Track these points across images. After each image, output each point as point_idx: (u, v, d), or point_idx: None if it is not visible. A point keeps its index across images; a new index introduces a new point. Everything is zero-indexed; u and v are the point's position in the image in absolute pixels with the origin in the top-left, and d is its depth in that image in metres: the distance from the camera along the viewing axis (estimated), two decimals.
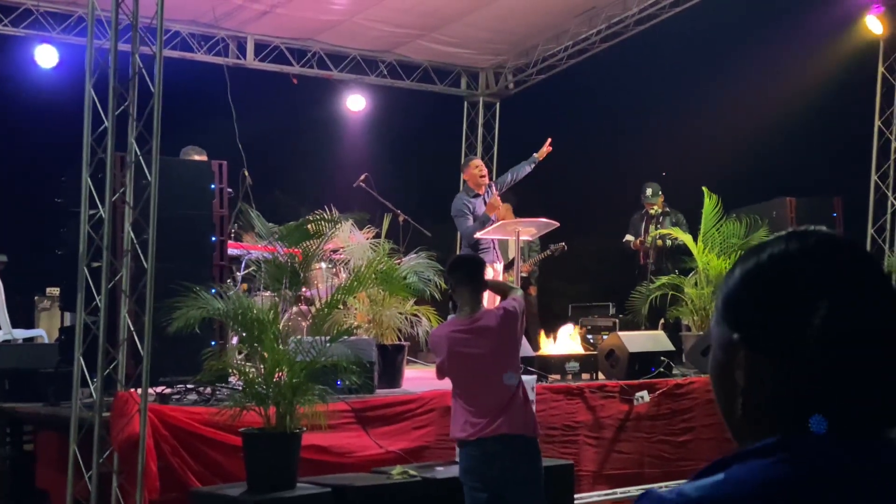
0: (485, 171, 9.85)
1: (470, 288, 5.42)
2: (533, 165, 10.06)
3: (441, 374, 5.45)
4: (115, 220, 6.52)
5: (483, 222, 9.52)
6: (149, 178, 6.31)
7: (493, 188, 9.76)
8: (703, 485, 1.16)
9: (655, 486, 7.65)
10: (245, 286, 8.77)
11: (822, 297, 1.20)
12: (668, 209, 11.15)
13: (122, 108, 6.37)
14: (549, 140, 9.92)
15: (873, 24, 10.62)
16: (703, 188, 9.71)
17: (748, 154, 11.93)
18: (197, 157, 8.73)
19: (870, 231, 10.62)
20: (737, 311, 1.27)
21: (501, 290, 5.94)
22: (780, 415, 1.21)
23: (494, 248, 9.79)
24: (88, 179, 6.44)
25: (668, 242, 10.81)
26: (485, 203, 9.66)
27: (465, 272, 5.48)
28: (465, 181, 9.88)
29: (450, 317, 5.70)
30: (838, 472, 1.15)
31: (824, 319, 1.19)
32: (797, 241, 1.27)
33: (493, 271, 9.55)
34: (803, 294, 1.21)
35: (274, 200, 11.48)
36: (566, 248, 11.06)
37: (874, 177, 10.71)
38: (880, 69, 10.65)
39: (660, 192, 11.18)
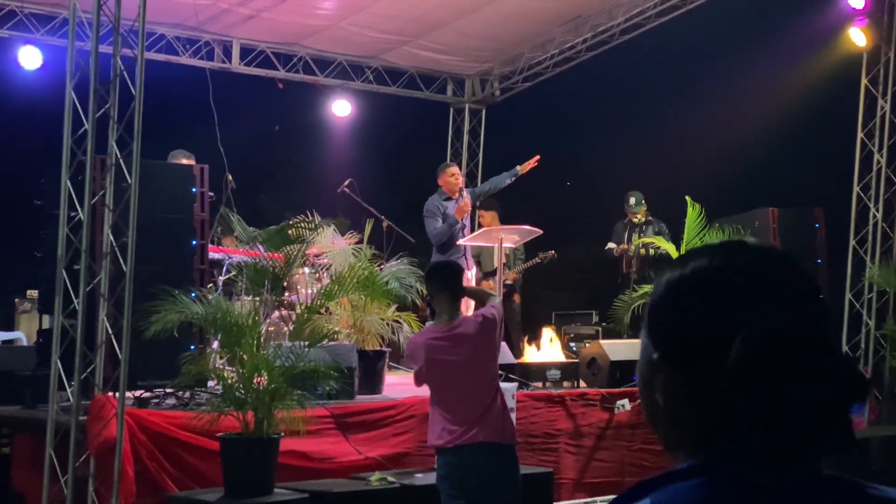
0: (460, 179, 9.84)
1: (448, 295, 5.40)
2: (514, 178, 10.01)
3: (419, 381, 5.44)
4: (94, 222, 6.49)
5: (451, 225, 9.48)
6: (129, 180, 6.28)
7: (465, 193, 9.72)
8: None
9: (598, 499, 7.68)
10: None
11: (742, 322, 1.16)
12: (650, 218, 11.16)
13: (103, 110, 6.34)
14: (537, 157, 9.88)
15: (856, 37, 10.66)
16: (687, 197, 9.72)
17: (731, 164, 11.96)
18: (185, 161, 8.70)
19: (852, 242, 10.66)
20: (658, 328, 1.23)
21: (479, 296, 5.93)
22: (702, 436, 1.18)
23: (465, 254, 9.74)
24: (68, 182, 6.41)
25: (651, 251, 10.82)
26: (456, 204, 9.63)
27: (442, 279, 5.47)
28: (439, 186, 9.82)
29: (428, 324, 5.68)
30: (759, 497, 1.13)
31: (744, 345, 1.15)
32: (723, 256, 1.23)
33: (465, 278, 9.49)
34: (723, 317, 1.17)
35: (258, 205, 11.46)
36: (556, 255, 11.06)
37: (856, 188, 10.74)
38: (863, 81, 10.69)
39: (643, 201, 11.19)
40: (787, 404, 1.15)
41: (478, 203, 10.67)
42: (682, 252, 9.56)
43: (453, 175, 9.75)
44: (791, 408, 1.15)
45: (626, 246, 11.09)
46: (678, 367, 1.19)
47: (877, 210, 10.62)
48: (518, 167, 9.92)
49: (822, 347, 1.19)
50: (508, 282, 11.28)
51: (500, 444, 5.24)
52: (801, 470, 1.15)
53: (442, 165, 10.02)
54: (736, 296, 1.18)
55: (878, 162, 10.66)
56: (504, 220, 11.01)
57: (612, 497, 6.71)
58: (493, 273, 10.82)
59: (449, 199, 9.64)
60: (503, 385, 7.02)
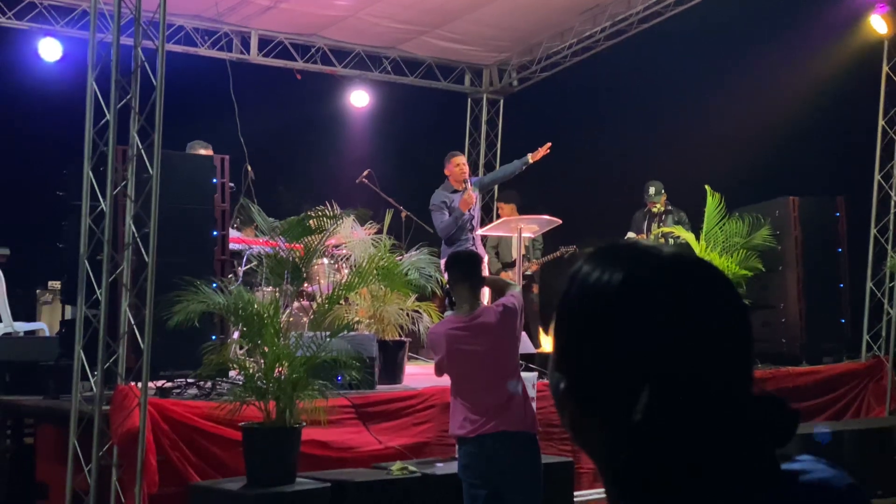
0: (466, 169, 9.68)
1: (468, 284, 5.40)
2: (525, 166, 9.88)
3: (440, 371, 5.44)
4: (116, 213, 6.51)
5: (457, 218, 9.39)
6: (150, 171, 6.31)
7: (470, 184, 9.62)
8: None
9: None
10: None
11: (651, 362, 1.06)
12: (670, 207, 11.13)
13: (125, 101, 6.36)
14: (548, 144, 9.78)
15: (878, 24, 10.59)
16: (706, 187, 9.69)
17: (751, 153, 11.90)
18: (203, 152, 8.73)
19: (873, 231, 10.60)
20: (563, 355, 1.13)
21: (499, 287, 5.93)
22: (617, 477, 1.09)
23: (476, 244, 9.65)
24: (90, 173, 6.44)
25: (671, 241, 10.79)
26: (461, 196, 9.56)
27: (463, 269, 5.46)
28: (445, 176, 9.74)
29: (447, 313, 5.68)
30: None
31: (652, 397, 1.05)
32: (627, 270, 1.09)
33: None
34: (629, 354, 1.06)
35: (277, 196, 11.48)
36: (578, 250, 11.06)
37: (877, 176, 10.68)
38: (884, 69, 10.63)
39: (662, 191, 11.15)
40: (703, 453, 1.06)
41: (488, 195, 10.61)
42: (701, 242, 9.57)
43: (458, 165, 9.61)
44: (709, 456, 1.06)
45: (644, 236, 11.06)
46: (585, 407, 1.11)
47: None
48: (529, 155, 9.80)
49: (744, 382, 1.09)
50: (529, 272, 11.30)
51: (522, 433, 5.24)
52: None
53: (448, 155, 9.81)
54: (644, 326, 1.07)
55: None
56: (522, 211, 11.01)
57: None
58: (512, 264, 10.83)
59: (455, 191, 9.55)
60: (524, 375, 7.03)
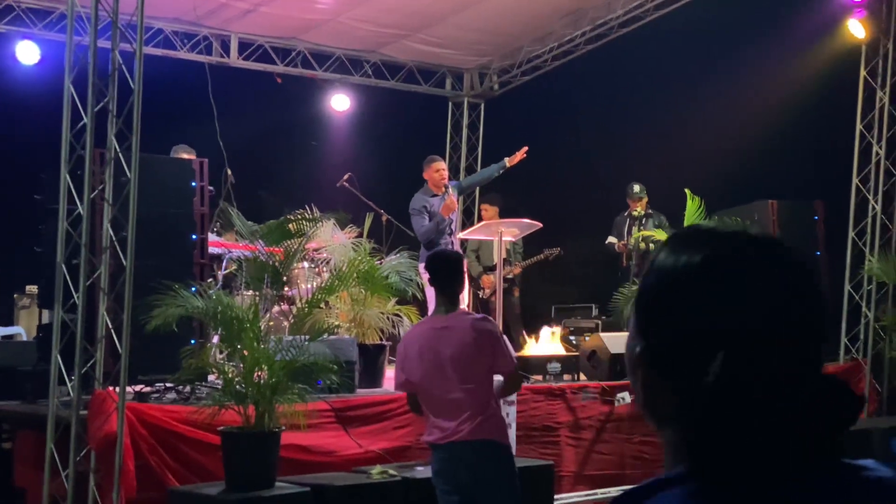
0: (445, 174, 9.66)
1: (448, 286, 5.36)
2: (502, 170, 9.87)
3: (397, 382, 5.39)
4: (93, 217, 6.48)
5: (438, 223, 9.36)
6: (128, 175, 6.27)
7: (450, 189, 9.61)
8: None
9: (615, 489, 7.65)
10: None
11: (726, 332, 1.11)
12: (650, 211, 11.16)
13: (102, 104, 6.33)
14: (525, 148, 9.77)
15: (855, 29, 10.65)
16: (686, 190, 9.72)
17: (731, 156, 11.95)
18: (186, 156, 8.70)
19: (851, 234, 10.65)
20: (643, 321, 1.18)
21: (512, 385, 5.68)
22: (684, 438, 1.14)
23: (455, 248, 9.63)
24: (67, 176, 6.40)
25: (651, 245, 10.82)
26: (441, 201, 9.51)
27: (443, 270, 5.43)
28: (425, 180, 9.71)
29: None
30: None
31: (724, 363, 1.10)
32: (716, 249, 1.15)
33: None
34: (707, 324, 1.12)
35: (258, 199, 11.45)
36: (562, 252, 11.09)
37: (855, 180, 10.74)
38: (862, 73, 10.69)
39: (645, 193, 11.17)
40: (770, 423, 1.10)
41: (468, 198, 10.61)
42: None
43: (438, 170, 9.57)
44: (775, 427, 1.10)
45: (624, 242, 11.08)
46: (659, 366, 1.15)
47: (876, 202, 10.62)
48: (506, 159, 9.79)
49: (814, 364, 1.13)
50: (510, 276, 11.33)
51: (493, 441, 5.16)
52: (787, 485, 1.10)
53: (427, 159, 9.75)
54: (723, 300, 1.12)
55: (877, 154, 10.66)
56: (504, 214, 11.02)
57: (612, 489, 6.66)
58: (493, 267, 10.85)
59: (434, 195, 9.53)
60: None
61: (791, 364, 1.12)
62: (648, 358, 1.16)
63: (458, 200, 9.72)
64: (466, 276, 5.56)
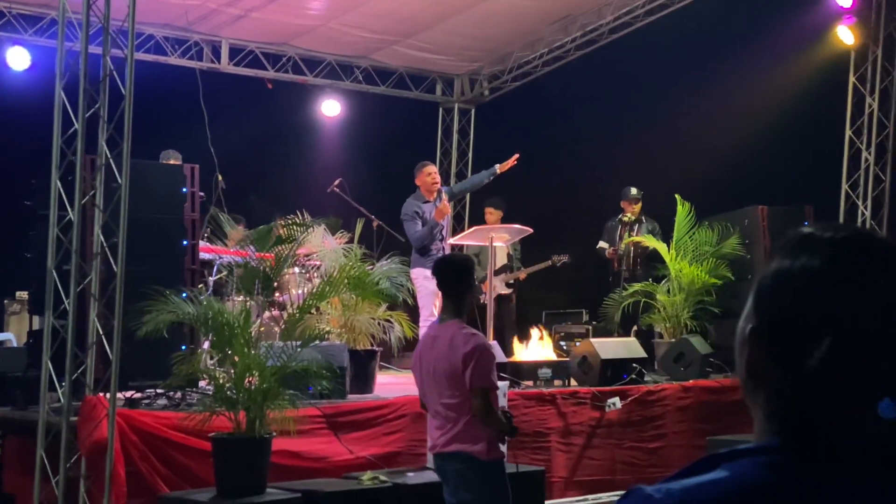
0: (437, 179, 9.66)
1: (450, 291, 5.22)
2: (493, 177, 9.85)
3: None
4: (84, 223, 6.47)
5: (431, 228, 9.36)
6: (119, 181, 6.27)
7: (443, 194, 9.62)
8: (690, 484, 1.16)
9: (606, 495, 7.68)
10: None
11: (836, 324, 1.18)
12: (642, 217, 11.19)
13: (93, 110, 6.33)
14: (517, 155, 9.75)
15: (844, 35, 10.71)
16: (676, 196, 9.76)
17: (721, 162, 12.00)
18: (174, 161, 8.70)
19: None
20: (760, 307, 1.25)
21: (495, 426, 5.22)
22: (779, 414, 1.21)
23: (463, 253, 9.68)
24: (58, 182, 6.39)
25: (640, 250, 10.85)
26: (435, 208, 9.47)
27: (446, 274, 5.25)
28: (417, 186, 9.71)
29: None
30: (823, 493, 1.14)
31: (830, 348, 1.17)
32: (835, 252, 1.22)
33: (421, 270, 9.50)
34: (821, 318, 1.19)
35: (248, 205, 11.44)
36: (570, 259, 11.15)
37: (845, 186, 10.79)
38: (851, 79, 10.75)
39: (640, 198, 11.19)
40: (862, 413, 1.15)
41: (459, 203, 10.62)
42: (672, 251, 9.62)
43: (430, 175, 9.57)
44: (866, 418, 1.15)
45: (614, 248, 11.11)
46: (768, 348, 1.22)
47: (865, 207, 10.67)
48: (496, 166, 9.78)
49: None
50: (512, 282, 11.45)
51: (459, 452, 4.98)
52: (871, 474, 1.15)
53: (419, 165, 9.74)
54: (838, 301, 1.19)
55: (866, 160, 10.71)
56: (504, 219, 11.10)
57: (603, 495, 6.59)
58: (495, 272, 10.94)
59: (426, 200, 9.54)
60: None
61: (892, 361, 1.17)
62: (760, 336, 1.23)
63: (449, 206, 9.72)
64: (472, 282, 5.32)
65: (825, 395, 1.17)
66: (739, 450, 1.19)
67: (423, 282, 9.27)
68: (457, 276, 5.23)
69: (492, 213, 11.46)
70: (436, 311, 9.38)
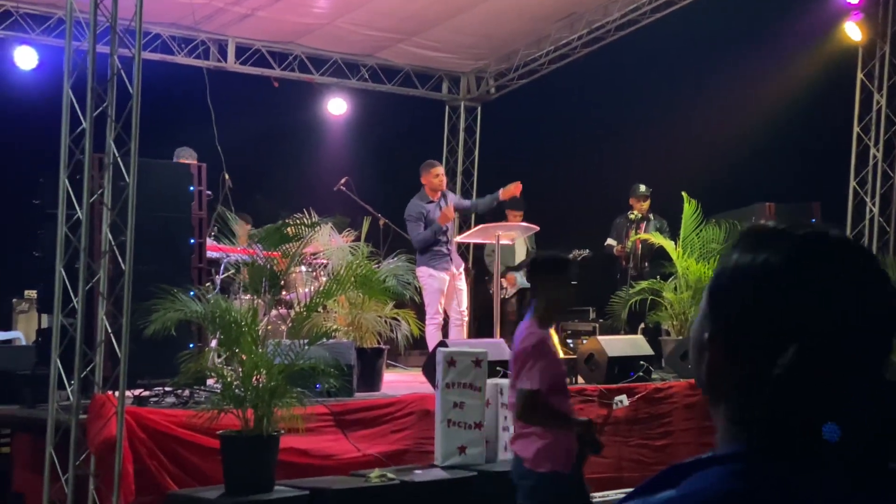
0: (443, 179, 9.66)
1: (531, 290, 4.96)
2: (496, 202, 9.78)
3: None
4: (92, 221, 6.49)
5: (435, 231, 9.37)
6: (127, 179, 6.29)
7: (449, 197, 9.61)
8: (660, 501, 1.13)
9: (613, 493, 7.66)
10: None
11: (801, 329, 1.14)
12: (651, 214, 11.18)
13: (101, 109, 6.34)
14: (518, 183, 9.59)
15: (852, 31, 10.69)
16: (683, 193, 9.75)
17: (728, 159, 11.98)
18: (190, 159, 8.72)
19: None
20: (718, 308, 1.22)
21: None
22: (742, 420, 1.17)
23: (451, 255, 9.65)
24: (66, 181, 6.41)
25: (647, 248, 10.85)
26: (440, 210, 9.52)
27: (534, 270, 4.95)
28: (422, 185, 9.69)
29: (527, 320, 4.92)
30: (791, 497, 1.11)
31: (797, 356, 1.13)
32: (797, 250, 1.18)
33: (451, 275, 9.53)
34: (784, 320, 1.15)
35: (255, 204, 11.46)
36: (590, 254, 11.15)
37: (853, 182, 10.77)
38: (859, 76, 10.73)
39: (649, 195, 11.19)
40: (827, 419, 1.13)
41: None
42: (679, 248, 9.61)
43: (437, 175, 9.57)
44: (838, 416, 1.13)
45: (622, 246, 11.12)
46: (728, 353, 1.18)
47: (873, 204, 10.65)
48: (500, 191, 9.69)
49: (880, 365, 1.16)
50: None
51: (522, 462, 4.77)
52: (840, 475, 1.13)
53: (426, 164, 9.73)
54: (802, 299, 1.15)
55: (874, 156, 10.69)
56: (499, 217, 11.08)
57: (610, 493, 6.54)
58: (516, 267, 10.99)
59: (430, 201, 9.55)
60: (501, 381, 7.06)
61: (857, 365, 1.14)
62: (720, 340, 1.20)
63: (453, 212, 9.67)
64: (559, 281, 4.95)
65: (792, 399, 1.14)
66: (706, 459, 1.16)
67: (429, 280, 9.28)
68: (531, 273, 5.05)
69: (516, 216, 11.30)
70: (441, 309, 9.41)
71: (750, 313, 1.17)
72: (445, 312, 9.55)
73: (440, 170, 9.76)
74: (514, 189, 9.60)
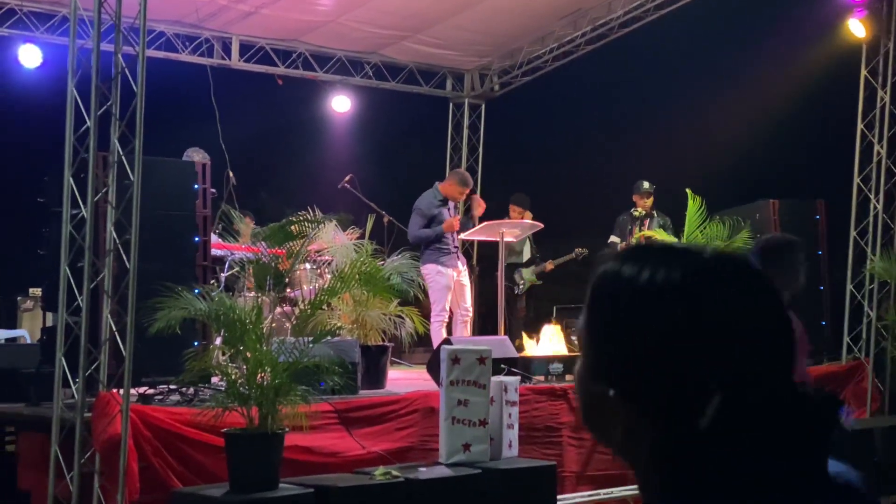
0: (465, 195, 9.79)
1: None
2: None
3: None
4: (97, 220, 6.50)
5: (439, 236, 9.44)
6: (131, 177, 6.30)
7: (477, 203, 9.75)
8: None
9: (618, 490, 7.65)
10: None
11: (716, 365, 1.06)
12: (654, 212, 11.18)
13: (105, 107, 6.35)
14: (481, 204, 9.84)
15: (856, 28, 10.66)
16: (687, 190, 9.73)
17: (732, 156, 11.97)
18: (199, 159, 8.72)
19: (852, 234, 10.67)
20: (614, 360, 1.11)
21: None
22: (664, 477, 1.10)
23: (457, 250, 9.73)
24: (71, 179, 6.42)
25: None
26: (449, 214, 9.60)
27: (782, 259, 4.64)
28: (438, 186, 9.74)
29: None
30: None
31: (722, 404, 1.06)
32: (679, 270, 1.09)
33: (458, 271, 9.57)
34: (695, 359, 1.06)
35: (259, 201, 11.47)
36: (588, 253, 11.31)
37: (857, 179, 10.75)
38: (863, 72, 10.70)
39: (653, 192, 11.18)
40: (761, 450, 1.08)
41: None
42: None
43: (462, 193, 9.73)
44: (766, 451, 1.08)
45: (626, 243, 11.12)
46: (641, 409, 1.09)
47: (877, 201, 10.63)
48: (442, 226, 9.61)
49: (789, 381, 1.11)
50: (538, 273, 11.61)
51: None
52: None
53: (459, 174, 9.90)
54: (707, 329, 1.07)
55: (879, 153, 10.66)
56: (500, 214, 11.12)
57: (615, 490, 6.55)
58: (524, 264, 11.07)
59: (444, 202, 9.59)
60: (505, 379, 7.06)
61: (774, 387, 1.09)
62: (628, 402, 1.10)
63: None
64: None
65: (718, 452, 1.07)
66: None
67: (437, 277, 9.30)
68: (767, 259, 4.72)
69: (525, 216, 11.34)
70: (447, 306, 9.43)
71: (654, 358, 1.07)
72: (450, 310, 9.58)
73: (468, 189, 9.81)
74: (453, 224, 9.57)
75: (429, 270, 9.16)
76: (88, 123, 6.34)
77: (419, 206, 9.53)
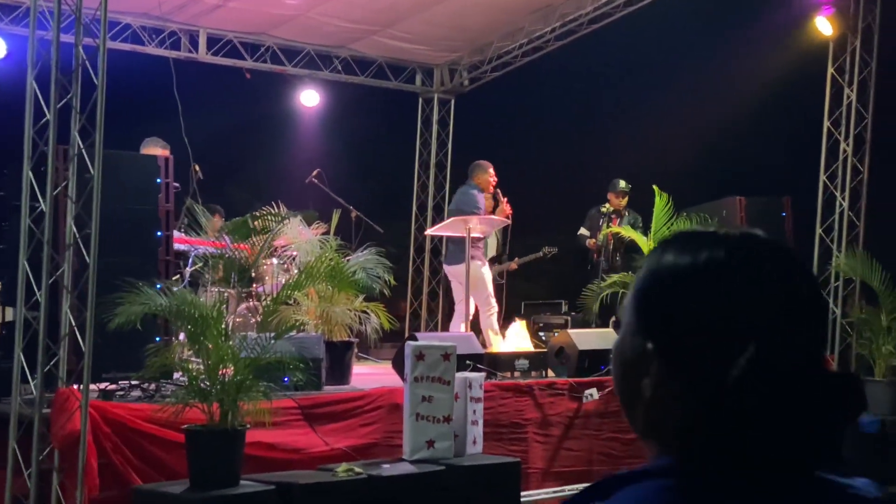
0: (495, 179, 10.14)
1: None
2: None
3: None
4: (57, 214, 6.42)
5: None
6: (91, 171, 6.22)
7: (501, 195, 9.98)
8: None
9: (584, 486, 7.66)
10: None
11: (750, 330, 1.11)
12: (626, 210, 11.19)
13: (65, 100, 6.27)
14: None
15: (823, 26, 10.72)
16: (654, 187, 9.75)
17: (699, 153, 12.02)
18: (159, 150, 8.61)
19: (818, 231, 10.73)
20: (655, 317, 1.17)
21: None
22: (682, 434, 1.13)
23: (485, 245, 10.07)
24: (30, 173, 6.33)
25: (619, 242, 10.86)
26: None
27: None
28: (474, 182, 10.07)
29: None
30: None
31: (751, 361, 1.10)
32: (727, 248, 1.17)
33: (480, 262, 9.80)
34: (731, 321, 1.12)
35: (228, 196, 11.41)
36: (556, 252, 11.33)
37: (823, 177, 10.81)
38: (829, 70, 10.76)
39: (628, 192, 11.20)
40: (781, 419, 1.10)
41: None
42: (650, 242, 9.62)
43: (493, 175, 10.11)
44: (784, 423, 1.11)
45: (594, 240, 11.13)
46: (674, 363, 1.14)
47: (843, 199, 10.70)
48: None
49: (822, 361, 1.15)
50: (504, 272, 11.61)
51: None
52: (780, 483, 1.10)
53: (480, 164, 10.20)
54: (745, 299, 1.13)
55: (845, 151, 10.73)
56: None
57: (580, 486, 6.61)
58: (491, 260, 11.12)
59: (481, 191, 9.99)
60: (470, 375, 7.05)
61: (803, 360, 1.13)
62: (663, 353, 1.15)
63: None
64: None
65: (743, 408, 1.10)
66: (638, 472, 1.12)
67: (484, 271, 9.83)
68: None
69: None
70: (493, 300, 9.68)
71: (695, 318, 1.13)
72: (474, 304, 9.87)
73: (493, 171, 10.17)
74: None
75: (476, 267, 9.48)
76: (48, 116, 6.26)
77: (466, 201, 9.80)
